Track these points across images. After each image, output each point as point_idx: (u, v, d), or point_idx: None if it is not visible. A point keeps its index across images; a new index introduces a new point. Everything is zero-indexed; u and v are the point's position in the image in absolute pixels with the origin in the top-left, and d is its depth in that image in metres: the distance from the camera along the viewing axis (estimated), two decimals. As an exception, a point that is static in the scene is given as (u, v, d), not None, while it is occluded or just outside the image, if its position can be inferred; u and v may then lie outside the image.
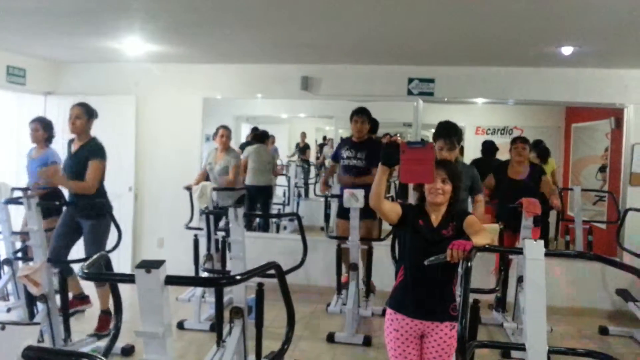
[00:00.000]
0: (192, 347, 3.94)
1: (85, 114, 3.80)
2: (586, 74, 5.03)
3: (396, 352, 2.32)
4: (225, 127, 5.19)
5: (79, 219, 3.78)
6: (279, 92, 5.63)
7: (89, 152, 3.77)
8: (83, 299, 4.00)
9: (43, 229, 3.35)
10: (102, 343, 3.62)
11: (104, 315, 3.87)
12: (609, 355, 2.11)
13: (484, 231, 2.24)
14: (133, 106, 5.64)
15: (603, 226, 5.64)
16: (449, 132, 3.35)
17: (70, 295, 3.73)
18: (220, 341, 3.15)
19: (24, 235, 4.05)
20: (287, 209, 6.97)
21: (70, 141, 3.94)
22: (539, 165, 4.79)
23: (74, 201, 3.76)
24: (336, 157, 4.94)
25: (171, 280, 1.56)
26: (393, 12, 3.47)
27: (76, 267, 3.95)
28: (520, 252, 2.21)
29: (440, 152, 3.33)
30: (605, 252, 4.96)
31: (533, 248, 2.12)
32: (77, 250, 3.87)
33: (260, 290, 2.89)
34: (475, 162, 5.38)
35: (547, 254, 2.10)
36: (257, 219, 6.28)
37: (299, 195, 7.25)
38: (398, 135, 6.54)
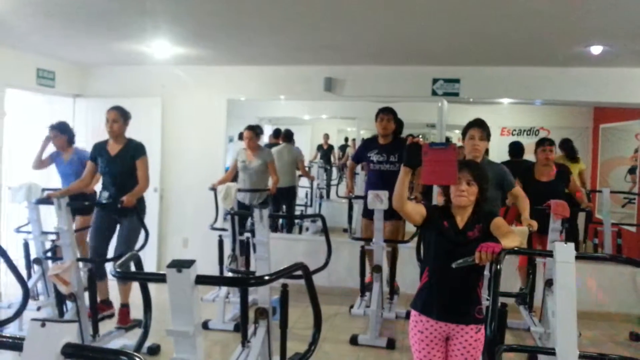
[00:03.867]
0: (216, 347, 3.97)
1: (121, 116, 3.96)
2: (616, 73, 4.92)
3: (421, 354, 2.30)
4: (250, 129, 5.22)
5: (117, 217, 3.88)
6: (302, 94, 5.65)
7: (135, 151, 3.95)
8: (108, 304, 4.09)
9: (73, 229, 3.43)
10: (130, 342, 3.68)
11: (124, 308, 3.98)
12: (642, 362, 2.06)
13: (512, 233, 2.20)
14: (159, 108, 5.73)
15: (632, 229, 5.52)
16: (482, 123, 3.32)
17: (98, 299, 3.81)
18: (245, 341, 3.17)
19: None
20: (309, 210, 6.98)
21: (99, 145, 4.04)
22: (565, 166, 4.72)
23: (114, 201, 3.85)
24: (359, 158, 4.84)
25: (201, 280, 1.58)
26: (417, 13, 3.45)
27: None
28: (550, 255, 2.17)
29: (473, 141, 3.27)
30: (635, 256, 4.84)
31: (563, 251, 2.08)
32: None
33: (284, 291, 2.90)
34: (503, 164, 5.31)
35: (577, 257, 2.07)
36: (280, 220, 6.31)
37: (321, 197, 7.26)
38: (420, 136, 6.50)
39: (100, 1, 3.42)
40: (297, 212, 6.72)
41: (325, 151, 7.50)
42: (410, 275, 4.75)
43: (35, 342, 1.04)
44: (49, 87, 5.53)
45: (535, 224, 3.12)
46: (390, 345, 4.02)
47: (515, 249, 2.14)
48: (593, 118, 6.38)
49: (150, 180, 4.00)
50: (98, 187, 4.44)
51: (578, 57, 4.48)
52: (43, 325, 1.04)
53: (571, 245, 2.10)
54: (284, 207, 6.30)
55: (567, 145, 5.53)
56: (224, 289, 4.41)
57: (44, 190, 4.19)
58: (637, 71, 4.88)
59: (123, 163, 3.92)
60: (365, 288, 4.49)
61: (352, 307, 4.57)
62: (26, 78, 5.26)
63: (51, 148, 4.85)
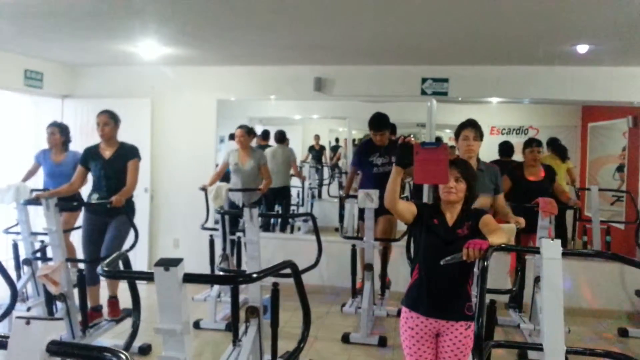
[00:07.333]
0: (208, 346, 3.97)
1: (111, 119, 3.98)
2: (603, 72, 4.97)
3: (411, 350, 2.32)
4: (242, 127, 5.20)
5: (106, 217, 3.87)
6: (292, 94, 5.66)
7: (129, 153, 3.98)
8: (98, 311, 4.09)
9: (62, 229, 3.42)
10: (120, 342, 3.66)
11: (112, 299, 4.01)
12: (628, 356, 2.08)
13: (500, 231, 2.22)
14: (149, 108, 5.70)
15: (621, 226, 5.57)
16: (475, 123, 3.35)
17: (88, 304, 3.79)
18: (236, 340, 3.17)
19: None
20: (301, 210, 6.99)
21: (91, 149, 4.03)
22: (551, 167, 4.77)
23: (104, 202, 3.83)
24: (361, 163, 4.72)
25: (189, 278, 1.58)
26: (406, 12, 3.47)
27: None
28: (537, 251, 2.19)
29: (467, 142, 3.29)
30: (624, 253, 4.86)
31: (550, 247, 2.10)
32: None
33: (275, 289, 2.90)
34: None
35: (564, 254, 2.09)
36: (273, 220, 6.31)
37: (313, 197, 7.27)
38: (412, 135, 6.51)
39: (88, 1, 3.40)
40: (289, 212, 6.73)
41: (316, 152, 7.51)
42: (401, 273, 4.78)
43: (20, 340, 1.04)
44: (37, 88, 5.49)
45: (522, 221, 3.15)
46: (382, 343, 4.04)
47: (503, 245, 2.16)
48: (581, 116, 6.43)
49: (138, 182, 4.01)
50: (83, 189, 4.42)
51: (565, 55, 4.52)
52: (28, 323, 1.04)
53: (558, 241, 2.12)
54: (280, 208, 6.30)
55: (555, 145, 5.58)
56: (216, 288, 4.41)
57: (32, 191, 4.17)
58: (624, 70, 4.93)
59: (118, 166, 3.94)
60: (356, 291, 4.49)
61: (343, 305, 4.58)
62: (14, 79, 5.22)
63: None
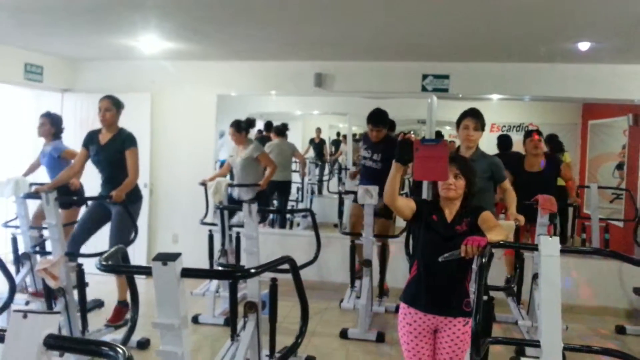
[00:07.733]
0: (206, 341, 3.98)
1: (113, 105, 3.91)
2: (603, 69, 4.96)
3: (409, 346, 2.33)
4: (231, 126, 5.16)
5: (110, 205, 3.85)
6: (293, 89, 5.65)
7: (124, 141, 3.89)
8: None
9: (61, 223, 3.42)
10: (118, 336, 3.67)
11: (120, 306, 3.95)
12: (625, 353, 2.09)
13: (499, 227, 2.23)
14: (149, 103, 5.69)
15: (620, 224, 5.57)
16: (477, 112, 3.35)
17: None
18: (234, 335, 3.18)
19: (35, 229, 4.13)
20: (301, 206, 6.99)
21: (92, 133, 4.00)
22: (555, 155, 4.75)
23: (106, 193, 3.82)
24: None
25: (187, 273, 1.58)
26: (407, 9, 3.46)
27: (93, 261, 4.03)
28: (535, 248, 2.20)
29: (467, 131, 3.29)
30: (622, 251, 4.85)
31: (548, 244, 2.10)
32: (93, 244, 3.94)
33: (273, 285, 2.91)
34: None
35: (562, 251, 2.09)
36: (272, 215, 6.31)
37: (313, 192, 7.27)
38: (412, 132, 6.51)
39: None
40: (288, 208, 6.72)
41: (317, 145, 7.50)
42: (400, 269, 4.78)
43: (17, 334, 1.04)
44: (37, 82, 5.48)
45: (522, 219, 3.15)
46: (380, 338, 4.04)
47: (501, 242, 2.16)
48: (582, 114, 6.42)
49: (139, 172, 3.94)
50: (84, 179, 4.41)
51: (566, 53, 4.52)
52: (25, 316, 1.04)
53: (556, 238, 2.12)
54: (276, 201, 6.29)
55: (553, 141, 5.58)
56: (214, 283, 4.42)
57: (31, 184, 4.16)
58: (625, 67, 4.92)
59: (111, 153, 3.88)
60: (355, 278, 4.49)
61: (342, 301, 4.58)
62: (14, 73, 5.21)
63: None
